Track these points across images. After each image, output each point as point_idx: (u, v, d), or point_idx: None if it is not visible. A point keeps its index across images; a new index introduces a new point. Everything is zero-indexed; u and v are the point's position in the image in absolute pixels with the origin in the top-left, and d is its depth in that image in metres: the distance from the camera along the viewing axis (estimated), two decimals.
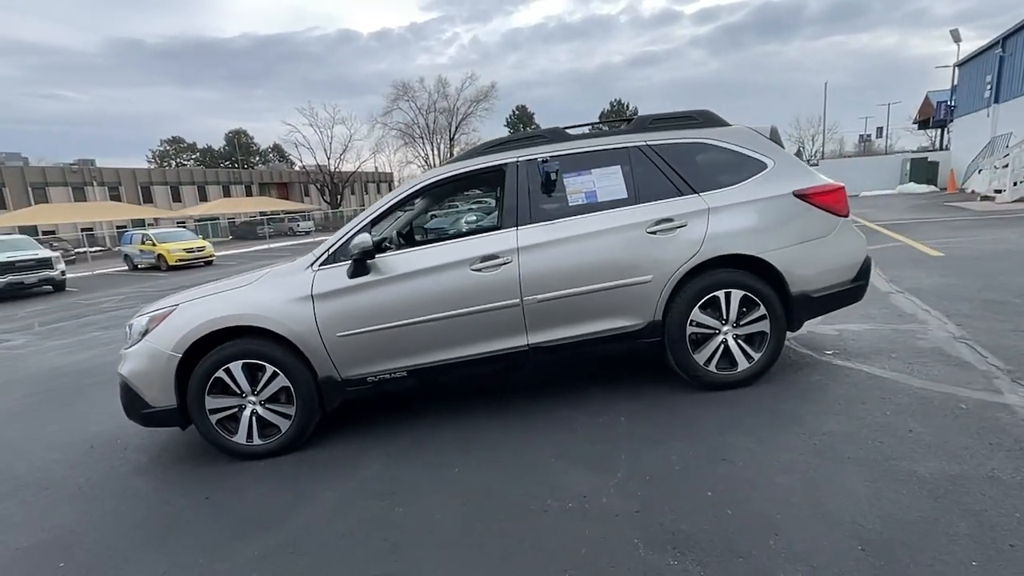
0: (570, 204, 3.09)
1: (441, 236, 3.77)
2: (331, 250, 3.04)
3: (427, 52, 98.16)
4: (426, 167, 52.00)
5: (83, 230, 31.55)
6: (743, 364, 3.14)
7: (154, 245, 20.17)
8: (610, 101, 73.35)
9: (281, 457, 2.96)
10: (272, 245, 29.24)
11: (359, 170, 51.98)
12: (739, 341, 3.12)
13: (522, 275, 2.96)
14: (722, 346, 3.11)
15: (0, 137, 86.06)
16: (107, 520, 2.53)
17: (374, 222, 3.11)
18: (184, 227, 29.36)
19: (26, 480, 3.05)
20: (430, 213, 3.78)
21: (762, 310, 3.06)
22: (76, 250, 26.90)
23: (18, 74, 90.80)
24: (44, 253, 15.28)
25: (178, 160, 64.40)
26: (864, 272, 3.25)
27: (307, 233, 41.58)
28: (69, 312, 10.55)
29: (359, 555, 2.05)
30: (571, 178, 3.12)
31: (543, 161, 3.09)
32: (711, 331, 3.09)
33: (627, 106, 70.30)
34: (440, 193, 4.02)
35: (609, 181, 3.12)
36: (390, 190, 68.18)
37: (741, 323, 3.10)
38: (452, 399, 3.51)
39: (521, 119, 72.22)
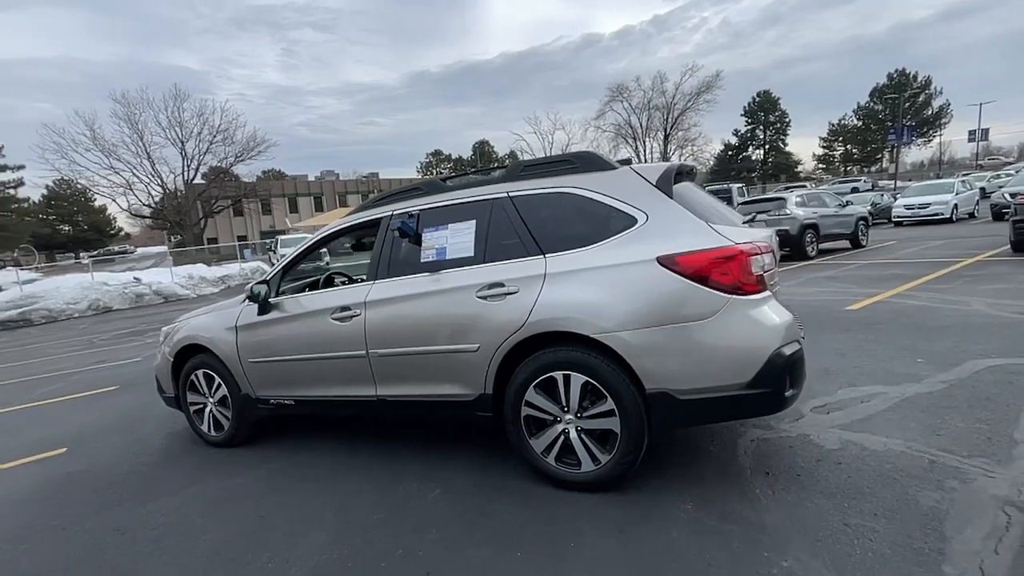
0: (421, 261, 3.00)
1: (330, 283, 3.96)
2: None
3: (669, 43, 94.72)
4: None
5: None
6: (587, 465, 2.55)
7: None
8: (889, 73, 58.38)
9: (220, 448, 3.76)
10: None
11: None
12: (583, 436, 2.55)
13: (367, 329, 3.04)
14: (562, 437, 2.59)
15: (335, 156, 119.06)
16: None
17: (286, 269, 3.60)
18: None
19: None
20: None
21: (609, 403, 2.43)
22: None
23: (350, 108, 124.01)
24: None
25: (438, 169, 77.97)
26: (772, 376, 2.24)
27: None
28: None
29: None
30: (429, 233, 3.02)
31: (401, 216, 3.08)
32: (550, 417, 2.61)
33: (913, 77, 54.91)
34: (337, 244, 4.24)
35: (461, 237, 2.90)
36: None
37: (584, 415, 2.53)
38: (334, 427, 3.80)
39: (762, 106, 63.72)
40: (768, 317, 2.31)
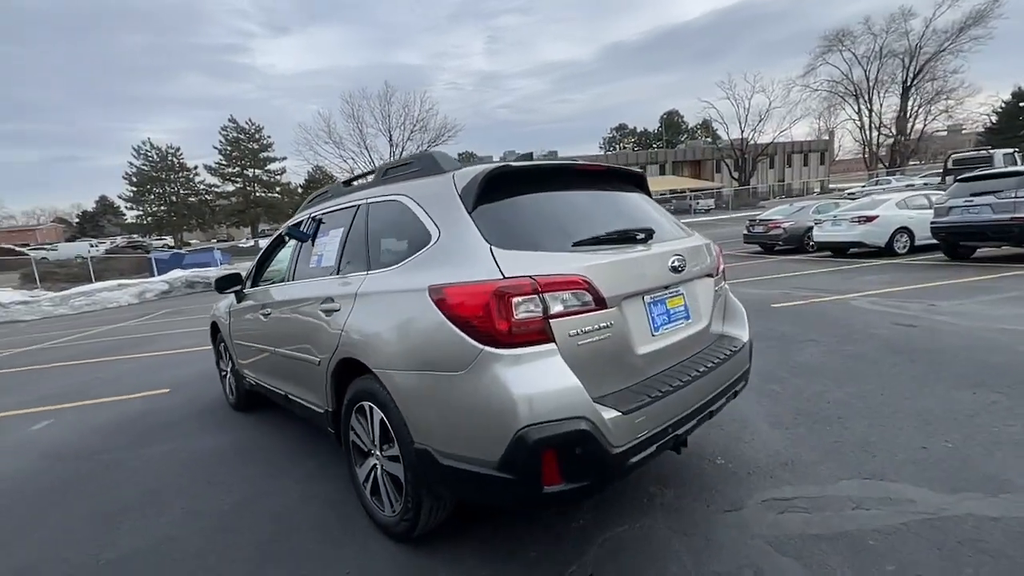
0: (309, 266, 2.99)
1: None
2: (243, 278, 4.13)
3: None
4: (861, 129, 41.23)
5: None
6: (387, 508, 2.28)
7: None
8: None
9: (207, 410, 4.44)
10: None
11: (779, 140, 46.70)
12: (385, 476, 2.27)
13: (270, 327, 3.21)
14: (374, 472, 2.35)
15: (530, 136, 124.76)
16: None
17: (261, 262, 3.95)
18: None
19: None
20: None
21: (396, 448, 2.12)
22: None
23: (546, 87, 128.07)
24: None
25: (621, 144, 75.51)
26: (519, 461, 1.65)
27: (706, 211, 41.47)
28: None
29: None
30: (318, 239, 2.99)
31: (302, 222, 3.10)
32: (365, 447, 2.39)
33: None
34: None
35: (331, 246, 2.80)
36: (822, 161, 58.01)
37: (384, 453, 2.25)
38: None
39: None
40: (520, 382, 1.68)
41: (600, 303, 1.85)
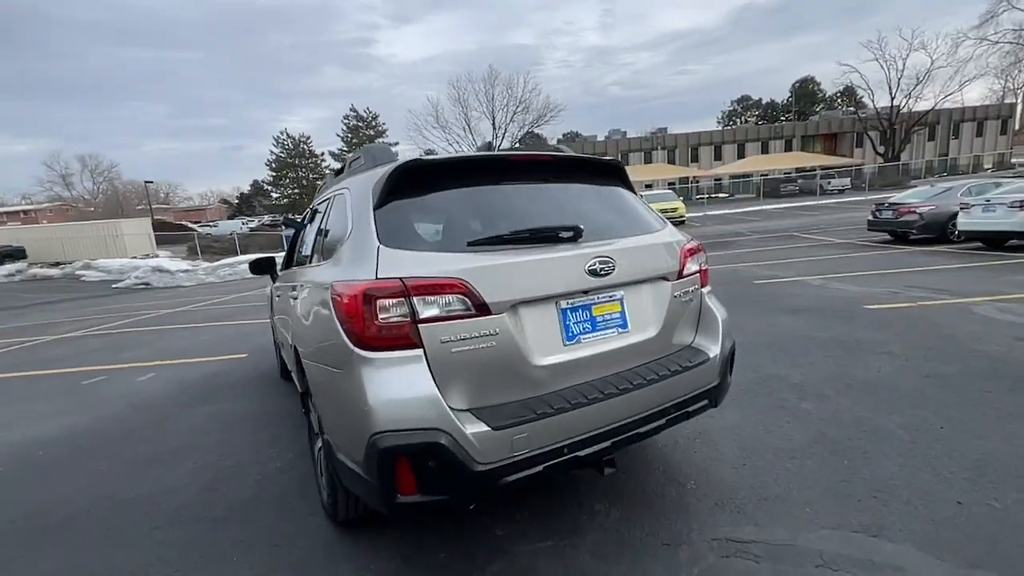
0: (302, 254, 3.16)
1: None
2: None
3: None
4: None
5: (646, 186, 40.91)
6: (324, 490, 2.37)
7: None
8: None
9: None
10: (781, 205, 27.85)
11: (941, 107, 39.26)
12: (320, 460, 2.37)
13: (278, 309, 3.47)
14: (318, 455, 2.46)
15: (640, 112, 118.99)
16: None
17: (293, 245, 4.26)
18: (697, 185, 32.85)
19: None
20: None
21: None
22: None
23: (663, 59, 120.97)
24: None
25: (743, 118, 68.76)
26: (372, 466, 1.63)
27: (840, 191, 36.43)
28: None
29: None
30: (307, 229, 3.15)
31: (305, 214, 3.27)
32: (316, 431, 2.50)
33: None
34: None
35: (309, 236, 2.96)
36: (1002, 131, 48.55)
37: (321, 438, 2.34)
38: None
39: None
40: (379, 388, 1.62)
41: (481, 309, 1.72)
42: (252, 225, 43.54)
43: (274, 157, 58.71)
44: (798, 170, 40.56)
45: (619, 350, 2.01)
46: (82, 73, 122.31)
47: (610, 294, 2.02)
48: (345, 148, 58.07)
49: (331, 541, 2.25)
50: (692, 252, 2.32)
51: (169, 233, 31.59)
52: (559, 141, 52.88)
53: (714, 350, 2.24)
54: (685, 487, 2.45)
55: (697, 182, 44.10)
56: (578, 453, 1.80)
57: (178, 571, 2.15)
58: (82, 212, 54.47)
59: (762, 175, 43.52)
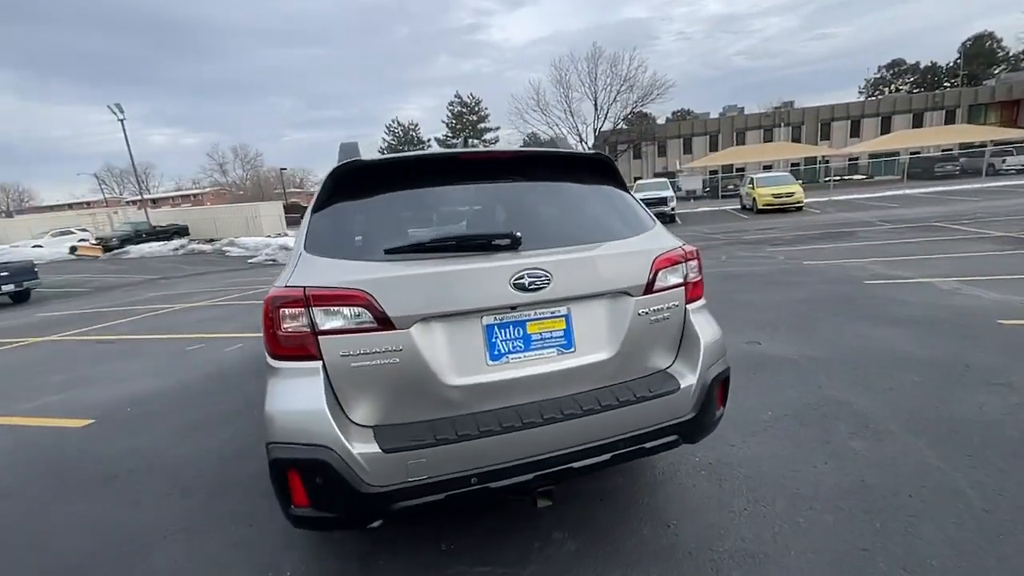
0: None
1: None
2: None
3: None
4: None
5: (764, 167, 37.17)
6: None
7: (753, 188, 22.15)
8: None
9: None
10: (931, 189, 23.59)
11: None
12: None
13: None
14: None
15: (764, 84, 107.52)
16: None
17: None
18: (827, 166, 28.82)
19: None
20: None
21: None
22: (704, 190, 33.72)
23: (795, 24, 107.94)
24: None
25: (894, 86, 59.06)
26: (272, 475, 1.61)
27: (1018, 172, 29.83)
28: None
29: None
30: None
31: None
32: None
33: None
34: None
35: None
36: None
37: None
38: None
39: None
40: (276, 398, 1.61)
41: (384, 323, 1.61)
42: None
43: (385, 144, 62.81)
44: (962, 146, 33.93)
45: (560, 372, 1.79)
46: (239, 73, 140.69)
47: (552, 310, 1.80)
48: (449, 135, 60.32)
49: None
50: (670, 262, 1.97)
51: (297, 215, 35.58)
52: (672, 117, 49.71)
53: (688, 378, 1.91)
54: (663, 527, 2.16)
55: (827, 162, 38.87)
56: (489, 484, 1.64)
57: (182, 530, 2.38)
58: (235, 195, 63.48)
59: (911, 153, 37.06)
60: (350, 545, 2.19)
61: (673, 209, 20.76)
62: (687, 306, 2.02)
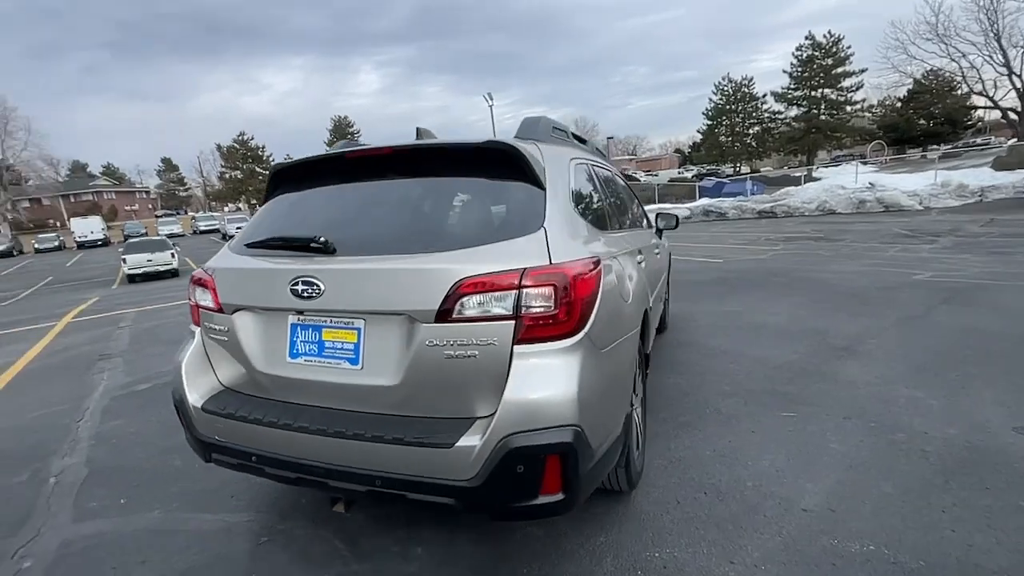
0: None
1: None
2: None
3: None
4: None
5: None
6: None
7: None
8: None
9: None
10: None
11: None
12: None
13: None
14: None
15: None
16: None
17: None
18: None
19: None
20: None
21: None
22: None
23: None
24: None
25: None
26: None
27: None
28: None
29: None
30: None
31: None
32: None
33: None
34: None
35: None
36: None
37: None
38: None
39: None
40: (182, 351, 2.07)
41: (217, 307, 1.90)
42: (692, 174, 45.31)
43: (712, 105, 57.46)
44: None
45: (349, 387, 1.70)
46: (595, 50, 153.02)
47: (347, 321, 1.70)
48: (793, 86, 50.40)
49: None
50: (487, 287, 1.48)
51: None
52: None
53: (472, 438, 1.45)
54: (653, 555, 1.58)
55: None
56: (264, 468, 1.77)
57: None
58: None
59: None
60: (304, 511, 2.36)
61: None
62: (516, 347, 1.45)
